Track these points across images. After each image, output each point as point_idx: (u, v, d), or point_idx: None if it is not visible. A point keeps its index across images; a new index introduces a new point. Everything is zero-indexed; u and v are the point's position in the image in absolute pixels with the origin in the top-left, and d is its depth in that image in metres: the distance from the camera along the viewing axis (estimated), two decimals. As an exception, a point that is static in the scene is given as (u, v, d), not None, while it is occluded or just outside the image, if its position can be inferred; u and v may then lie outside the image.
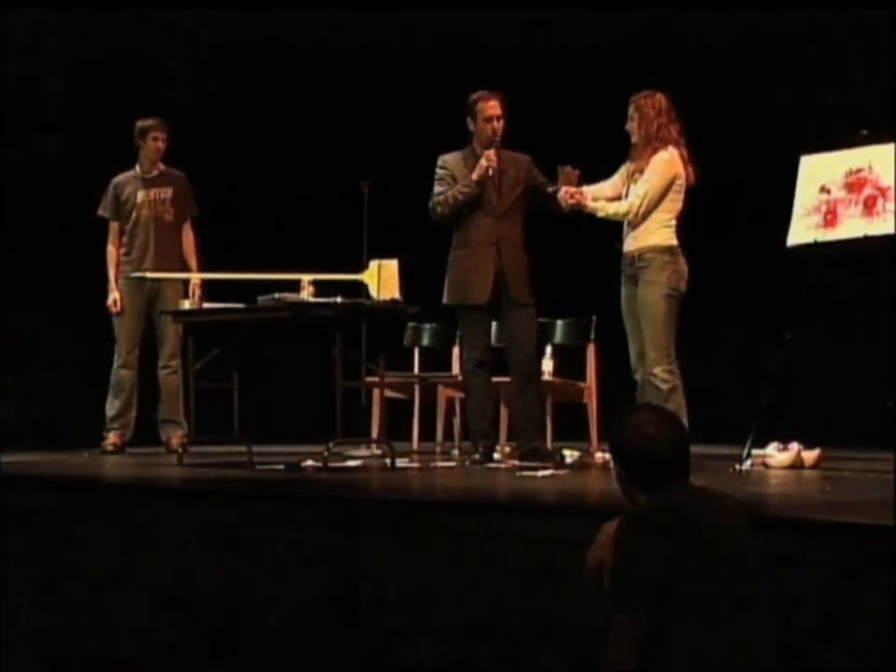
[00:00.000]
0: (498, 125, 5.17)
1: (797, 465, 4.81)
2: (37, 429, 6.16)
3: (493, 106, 5.17)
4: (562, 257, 6.71)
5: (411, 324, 6.55)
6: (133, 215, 6.07)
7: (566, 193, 4.94)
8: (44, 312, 6.75)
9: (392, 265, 5.16)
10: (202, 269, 6.05)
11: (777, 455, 4.84)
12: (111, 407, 6.01)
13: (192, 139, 6.25)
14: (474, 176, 5.16)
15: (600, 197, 5.04)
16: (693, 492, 2.45)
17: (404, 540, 3.39)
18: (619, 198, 5.01)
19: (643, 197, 4.87)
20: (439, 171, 5.28)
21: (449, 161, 5.28)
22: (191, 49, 7.11)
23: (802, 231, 5.07)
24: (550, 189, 5.10)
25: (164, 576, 3.59)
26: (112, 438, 5.97)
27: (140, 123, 6.07)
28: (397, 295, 5.12)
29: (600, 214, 4.96)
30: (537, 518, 3.35)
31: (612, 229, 5.04)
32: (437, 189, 5.28)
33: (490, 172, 5.15)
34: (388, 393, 6.13)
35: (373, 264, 5.20)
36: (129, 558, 3.68)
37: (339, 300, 4.96)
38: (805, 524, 2.89)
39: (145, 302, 6.05)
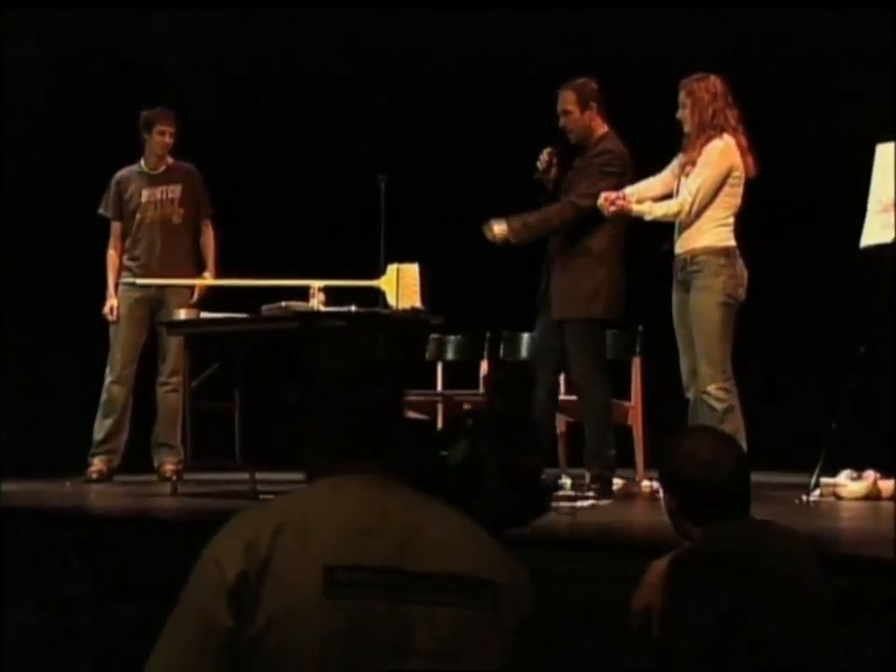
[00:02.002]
0: (562, 121, 5.21)
1: (873, 496, 4.75)
2: (14, 456, 6.15)
3: (558, 102, 5.23)
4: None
5: (434, 336, 6.53)
6: (137, 216, 6.03)
7: (605, 200, 4.93)
8: (27, 320, 6.75)
9: (412, 269, 5.15)
10: (217, 275, 6.02)
11: (849, 484, 4.79)
12: (99, 428, 5.97)
13: (192, 135, 6.24)
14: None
15: (647, 197, 5.01)
16: (754, 526, 2.41)
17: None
18: (670, 196, 4.98)
19: (695, 193, 4.83)
20: None
21: None
22: (199, 46, 7.15)
23: (877, 229, 5.02)
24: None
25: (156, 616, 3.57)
26: (97, 464, 5.93)
27: (145, 114, 6.03)
28: (418, 303, 5.11)
29: (648, 217, 4.93)
30: (575, 554, 3.32)
31: (661, 227, 5.01)
32: None
33: (542, 176, 5.23)
34: (409, 413, 6.10)
35: (391, 268, 5.19)
36: (114, 598, 3.67)
37: (353, 308, 4.95)
38: (882, 563, 2.84)
39: (146, 312, 6.02)
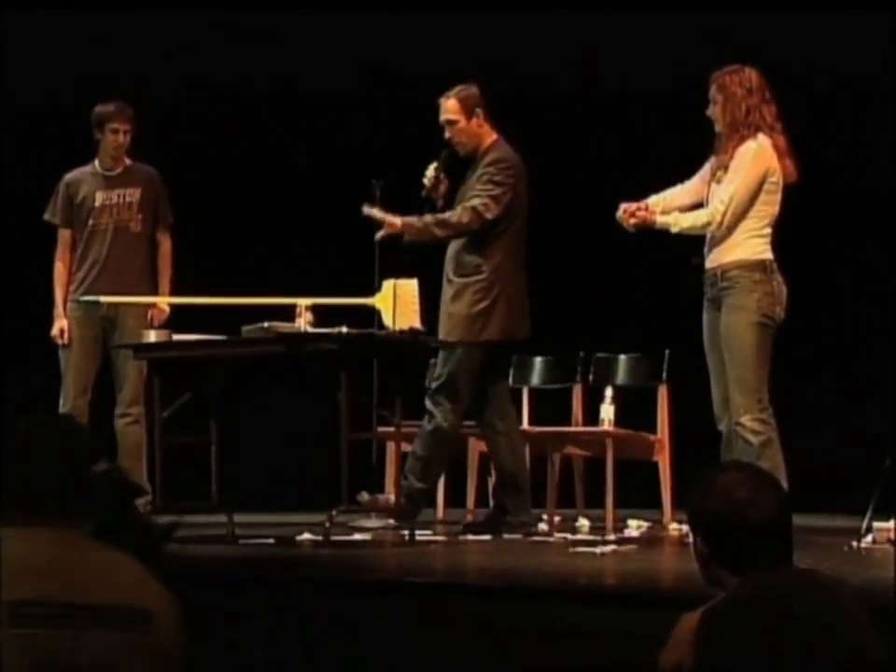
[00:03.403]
0: (448, 133, 5.41)
1: (931, 541, 4.75)
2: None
3: (440, 112, 5.42)
4: (626, 276, 6.70)
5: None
6: (90, 221, 5.99)
7: (624, 212, 4.94)
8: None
9: (411, 286, 5.16)
10: (174, 291, 6.01)
11: (905, 528, 4.79)
12: (55, 465, 5.99)
13: (166, 135, 6.27)
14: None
15: (673, 207, 5.02)
16: (797, 576, 2.41)
17: (427, 635, 3.36)
18: (700, 205, 4.99)
19: (728, 202, 4.83)
20: None
21: None
22: (182, 48, 7.21)
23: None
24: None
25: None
26: (55, 505, 5.94)
27: (98, 110, 5.99)
28: (417, 324, 5.12)
29: (674, 229, 4.94)
30: (596, 607, 3.33)
31: (690, 241, 5.02)
32: None
33: (430, 193, 5.43)
34: (406, 447, 6.10)
35: (387, 285, 5.20)
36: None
37: (344, 330, 4.96)
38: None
39: (99, 333, 6.00)
